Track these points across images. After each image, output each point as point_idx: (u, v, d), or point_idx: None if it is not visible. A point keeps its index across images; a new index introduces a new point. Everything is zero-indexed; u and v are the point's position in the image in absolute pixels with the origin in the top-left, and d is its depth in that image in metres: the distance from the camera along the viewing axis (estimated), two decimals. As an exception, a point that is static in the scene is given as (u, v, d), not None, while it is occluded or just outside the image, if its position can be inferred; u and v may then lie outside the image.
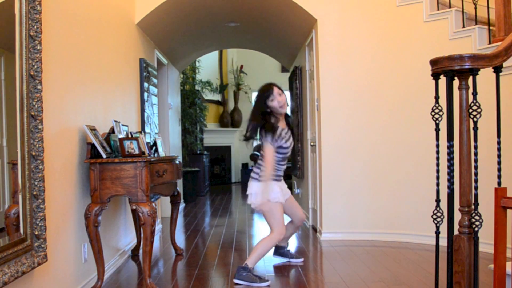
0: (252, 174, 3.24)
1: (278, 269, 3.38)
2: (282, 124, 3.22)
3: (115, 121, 3.17)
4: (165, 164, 3.27)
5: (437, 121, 1.94)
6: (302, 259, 3.51)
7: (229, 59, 10.91)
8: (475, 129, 1.81)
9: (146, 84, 4.48)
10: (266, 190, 3.10)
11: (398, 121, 4.22)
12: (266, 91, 3.17)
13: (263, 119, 3.16)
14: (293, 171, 6.18)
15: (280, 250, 3.53)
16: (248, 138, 3.21)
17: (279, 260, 3.53)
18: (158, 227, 4.88)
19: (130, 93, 4.11)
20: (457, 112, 1.85)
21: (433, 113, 1.93)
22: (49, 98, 2.32)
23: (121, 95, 3.81)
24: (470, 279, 1.78)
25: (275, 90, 3.15)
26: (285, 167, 3.29)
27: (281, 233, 3.14)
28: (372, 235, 4.24)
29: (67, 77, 2.64)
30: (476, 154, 1.83)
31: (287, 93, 5.60)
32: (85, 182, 2.89)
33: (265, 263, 3.55)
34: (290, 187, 4.17)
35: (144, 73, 4.43)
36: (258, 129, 3.18)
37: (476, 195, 1.83)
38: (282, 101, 3.15)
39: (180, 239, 4.53)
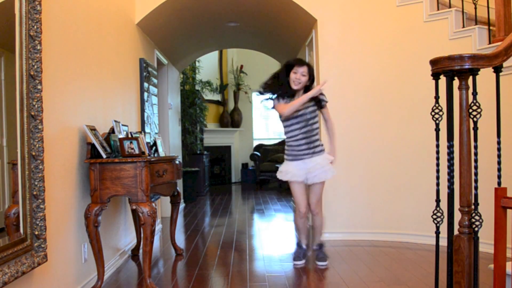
0: None
1: (278, 269, 3.38)
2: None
3: (115, 121, 3.17)
4: (165, 164, 3.27)
5: (437, 121, 1.94)
6: (326, 263, 3.41)
7: (229, 59, 10.90)
8: (475, 129, 1.81)
9: (146, 84, 4.48)
10: (280, 171, 3.42)
11: (398, 121, 4.22)
12: (293, 62, 3.34)
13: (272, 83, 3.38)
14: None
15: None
16: (264, 89, 3.42)
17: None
18: (158, 227, 4.88)
19: (130, 93, 4.11)
20: (457, 112, 1.85)
21: (433, 113, 1.93)
22: (49, 98, 2.32)
23: (121, 95, 3.81)
24: (470, 279, 1.78)
25: (303, 67, 3.29)
26: (301, 142, 3.32)
27: (299, 210, 3.43)
28: (372, 235, 4.24)
29: (67, 77, 2.64)
30: (476, 154, 1.83)
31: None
32: (85, 182, 2.89)
33: (265, 263, 3.55)
34: None
35: (144, 73, 4.43)
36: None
37: (476, 195, 1.83)
38: (299, 79, 3.29)
39: (180, 239, 4.53)
